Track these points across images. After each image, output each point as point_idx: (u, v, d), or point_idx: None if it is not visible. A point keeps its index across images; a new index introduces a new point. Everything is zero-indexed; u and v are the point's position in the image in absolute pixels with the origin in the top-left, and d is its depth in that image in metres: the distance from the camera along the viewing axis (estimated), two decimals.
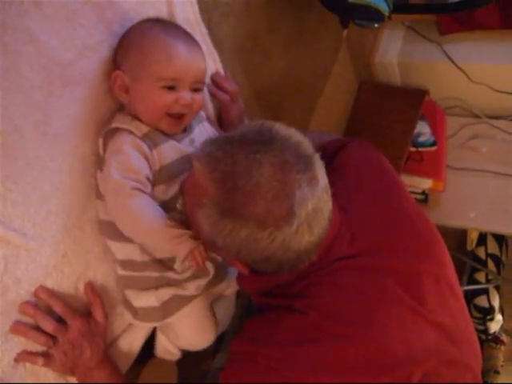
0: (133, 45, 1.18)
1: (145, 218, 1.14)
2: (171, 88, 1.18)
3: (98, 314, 1.29)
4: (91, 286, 1.28)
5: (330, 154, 1.40)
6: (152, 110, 1.19)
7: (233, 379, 1.16)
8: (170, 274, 1.30)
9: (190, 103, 1.21)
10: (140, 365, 1.53)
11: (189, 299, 1.35)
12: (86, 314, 1.28)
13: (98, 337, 1.28)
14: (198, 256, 1.14)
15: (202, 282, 1.34)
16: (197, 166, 1.08)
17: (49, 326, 1.19)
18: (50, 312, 1.20)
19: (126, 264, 1.30)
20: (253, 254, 1.07)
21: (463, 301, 1.30)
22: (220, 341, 1.67)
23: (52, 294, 1.19)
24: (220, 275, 1.39)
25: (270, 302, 1.23)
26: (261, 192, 1.00)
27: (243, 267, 1.15)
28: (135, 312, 1.35)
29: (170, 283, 1.32)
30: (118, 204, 1.15)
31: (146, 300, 1.32)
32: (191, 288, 1.33)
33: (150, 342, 1.47)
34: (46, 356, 1.21)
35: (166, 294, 1.32)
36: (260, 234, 1.02)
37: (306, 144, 1.07)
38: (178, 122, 1.23)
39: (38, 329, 1.19)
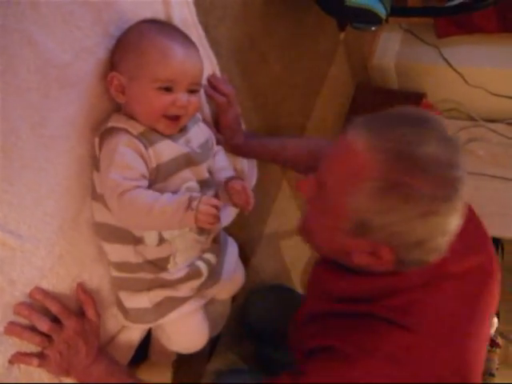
0: (130, 45, 1.18)
1: (145, 204, 1.13)
2: (168, 89, 1.18)
3: (90, 313, 1.28)
4: (82, 287, 1.28)
5: None
6: (149, 111, 1.19)
7: (328, 377, 1.13)
8: (164, 275, 1.30)
9: (187, 105, 1.20)
10: (134, 366, 1.53)
11: (181, 301, 1.35)
12: (81, 313, 1.28)
13: (92, 336, 1.28)
14: (207, 211, 1.13)
15: (195, 283, 1.34)
16: (358, 140, 1.06)
17: (44, 325, 1.18)
18: (44, 313, 1.19)
19: (120, 266, 1.30)
20: (405, 239, 1.06)
21: None
22: (215, 343, 1.67)
23: (47, 294, 1.19)
24: (213, 278, 1.39)
25: (363, 309, 1.19)
26: (431, 162, 1.00)
27: (388, 255, 1.10)
28: (127, 313, 1.34)
29: (164, 285, 1.32)
30: (116, 200, 1.14)
31: (139, 301, 1.32)
32: (184, 289, 1.33)
33: (144, 344, 1.47)
34: (41, 357, 1.21)
35: (158, 295, 1.32)
36: (427, 210, 1.01)
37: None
38: (175, 124, 1.23)
39: (32, 329, 1.18)
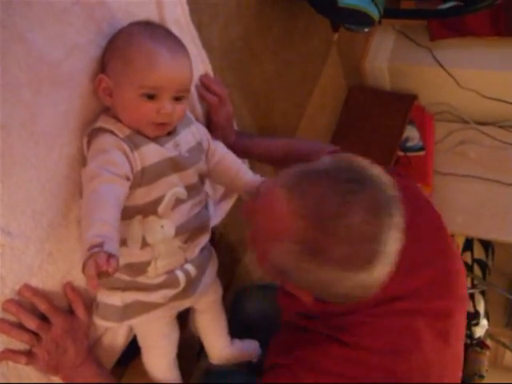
0: (118, 49, 1.17)
1: (95, 207, 1.07)
2: (152, 96, 1.16)
3: (79, 312, 1.28)
4: (71, 285, 1.28)
5: None
6: (133, 117, 1.19)
7: None
8: (141, 279, 1.29)
9: (171, 113, 1.19)
10: (124, 365, 1.53)
11: (151, 307, 1.34)
12: (70, 312, 1.28)
13: (81, 334, 1.28)
14: (87, 276, 0.99)
15: (170, 292, 1.33)
16: (280, 198, 1.06)
17: (32, 323, 1.18)
18: (33, 311, 1.19)
19: None
20: (327, 291, 1.08)
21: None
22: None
23: (36, 292, 1.19)
24: (189, 290, 1.37)
25: (311, 325, 1.24)
26: (350, 236, 0.99)
27: (308, 297, 1.15)
28: (97, 308, 1.33)
29: (139, 287, 1.30)
30: (89, 188, 1.10)
31: (111, 298, 1.31)
32: (157, 296, 1.32)
33: (133, 344, 1.47)
34: (30, 354, 1.21)
35: (130, 297, 1.31)
36: (339, 275, 1.02)
37: (391, 183, 1.06)
38: (161, 128, 1.22)
39: (21, 327, 1.18)
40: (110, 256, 0.97)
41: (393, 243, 1.02)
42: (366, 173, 1.04)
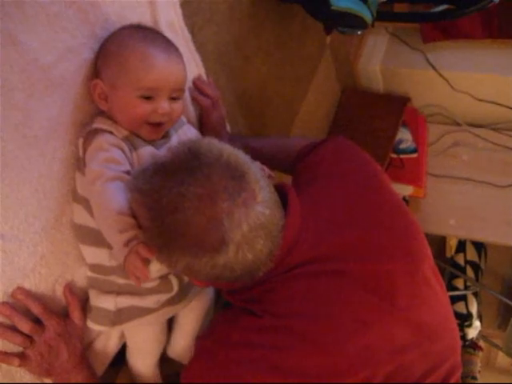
0: (112, 53, 1.18)
1: (109, 206, 1.10)
2: (149, 98, 1.18)
3: (75, 316, 1.29)
4: (70, 288, 1.28)
5: (304, 155, 1.41)
6: (131, 118, 1.20)
7: (193, 377, 1.16)
8: None
9: (169, 112, 1.21)
10: (116, 369, 1.53)
11: (144, 312, 1.33)
12: (63, 315, 1.28)
13: (74, 338, 1.28)
14: (134, 269, 1.07)
15: (163, 297, 1.33)
16: (130, 198, 1.08)
17: (25, 326, 1.18)
18: (26, 314, 1.19)
19: (94, 267, 1.29)
20: (200, 277, 1.10)
21: (443, 290, 1.29)
22: None
23: (29, 294, 1.19)
24: (182, 294, 1.37)
25: (233, 301, 1.23)
26: (189, 226, 0.99)
27: (198, 282, 1.19)
28: (90, 311, 1.33)
29: (132, 292, 1.30)
30: (95, 189, 1.13)
31: (105, 302, 1.30)
32: (150, 301, 1.32)
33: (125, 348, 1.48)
34: (23, 357, 1.21)
35: (124, 302, 1.31)
36: (197, 263, 1.02)
37: (239, 159, 1.05)
38: (157, 130, 1.24)
39: (14, 329, 1.18)
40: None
41: (243, 223, 1.00)
42: (202, 158, 1.02)
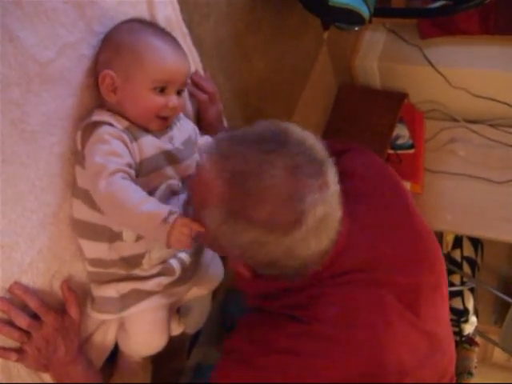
0: (125, 45, 1.19)
1: (128, 199, 1.11)
2: (162, 90, 1.20)
3: (72, 311, 1.29)
4: (67, 283, 1.28)
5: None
6: (142, 111, 1.21)
7: (228, 377, 1.16)
8: (137, 272, 1.30)
9: (178, 106, 1.24)
10: (114, 363, 1.53)
11: (147, 294, 1.34)
12: (61, 310, 1.28)
13: (72, 333, 1.28)
14: (182, 237, 1.09)
15: (166, 280, 1.33)
16: (205, 164, 1.07)
17: (23, 321, 1.18)
18: (24, 309, 1.19)
19: (94, 262, 1.29)
20: (256, 257, 1.07)
21: (447, 304, 1.32)
22: (195, 340, 1.67)
23: (26, 290, 1.19)
24: (184, 278, 1.38)
25: (270, 306, 1.23)
26: (271, 195, 0.99)
27: (245, 270, 1.16)
28: (93, 302, 1.34)
29: (135, 279, 1.31)
30: (100, 185, 1.12)
31: (106, 291, 1.31)
32: (152, 284, 1.32)
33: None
34: (20, 352, 1.21)
35: (126, 287, 1.31)
36: (266, 237, 1.01)
37: (320, 148, 1.06)
38: (165, 123, 1.26)
39: (11, 324, 1.18)
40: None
41: (319, 206, 1.01)
42: (291, 135, 1.04)
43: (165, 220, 1.08)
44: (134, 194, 1.11)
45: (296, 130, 1.06)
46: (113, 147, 1.16)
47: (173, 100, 1.22)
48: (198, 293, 1.52)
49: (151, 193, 1.23)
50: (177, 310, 1.56)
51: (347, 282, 1.15)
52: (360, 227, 1.20)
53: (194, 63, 1.52)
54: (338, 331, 1.11)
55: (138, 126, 1.23)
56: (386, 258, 1.20)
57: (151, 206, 1.10)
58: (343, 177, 1.31)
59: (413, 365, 1.15)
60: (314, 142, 1.06)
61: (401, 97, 2.80)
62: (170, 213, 1.08)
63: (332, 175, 1.05)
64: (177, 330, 1.58)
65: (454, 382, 1.32)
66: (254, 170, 1.00)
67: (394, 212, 1.27)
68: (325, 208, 1.02)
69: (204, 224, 1.08)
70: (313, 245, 1.04)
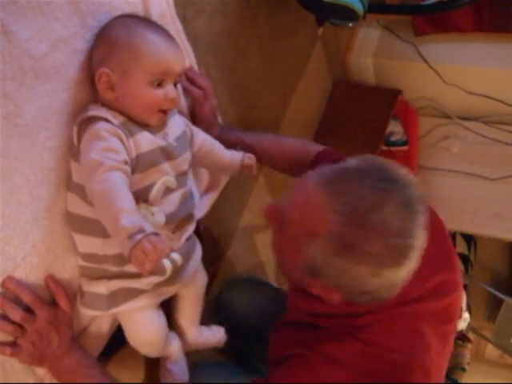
0: (120, 40, 1.18)
1: (112, 203, 1.08)
2: (159, 83, 1.21)
3: (63, 304, 1.29)
4: (52, 278, 1.27)
5: None
6: (143, 106, 1.21)
7: (293, 378, 1.20)
8: (128, 268, 1.29)
9: (176, 97, 1.25)
10: (109, 356, 1.53)
11: (137, 293, 1.33)
12: (54, 304, 1.28)
13: (64, 326, 1.29)
14: (143, 258, 1.03)
15: (156, 279, 1.33)
16: (316, 196, 1.08)
17: (16, 315, 1.19)
18: (17, 303, 1.20)
19: (87, 256, 1.29)
20: (355, 288, 1.10)
21: None
22: None
23: (20, 283, 1.19)
24: (174, 278, 1.37)
25: (326, 324, 1.26)
26: (385, 229, 1.01)
27: (337, 297, 1.16)
28: (82, 297, 1.33)
29: (125, 276, 1.31)
30: (94, 181, 1.11)
31: (96, 287, 1.31)
32: (143, 282, 1.32)
33: (117, 335, 1.47)
34: (14, 346, 1.21)
35: (116, 285, 1.31)
36: (376, 270, 1.04)
37: (417, 183, 1.09)
38: (165, 116, 1.26)
39: (5, 318, 1.19)
40: (157, 236, 1.04)
41: (421, 240, 1.05)
42: (396, 172, 1.07)
43: (130, 236, 1.03)
44: (119, 199, 1.09)
45: (396, 167, 1.09)
46: (109, 144, 1.15)
47: (172, 91, 1.23)
48: (185, 294, 1.53)
49: (147, 189, 1.23)
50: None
51: (406, 314, 1.22)
52: None
53: (189, 59, 1.52)
54: (396, 356, 1.19)
55: (134, 122, 1.22)
56: (422, 291, 1.26)
57: (126, 218, 1.05)
58: None
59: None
60: (412, 179, 1.08)
61: (395, 93, 2.80)
62: (140, 230, 1.03)
63: (425, 210, 1.08)
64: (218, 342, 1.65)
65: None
66: (369, 206, 1.02)
67: (440, 250, 1.33)
68: (423, 242, 1.06)
69: (300, 252, 1.11)
70: (405, 278, 1.08)
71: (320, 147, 1.59)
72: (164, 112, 1.25)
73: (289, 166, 1.63)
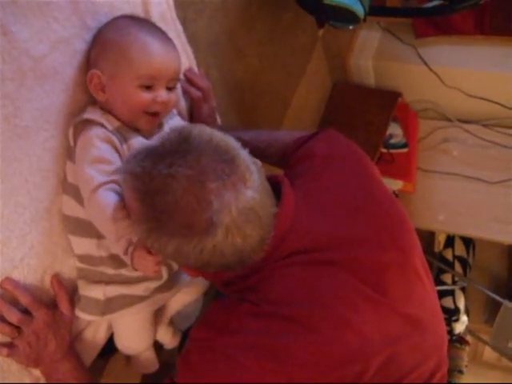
0: (111, 43, 1.18)
1: (104, 210, 1.12)
2: (148, 87, 1.19)
3: (63, 307, 1.29)
4: (57, 279, 1.28)
5: (296, 147, 1.40)
6: (130, 108, 1.20)
7: (190, 366, 1.14)
8: (124, 271, 1.29)
9: (167, 101, 1.22)
10: (105, 358, 1.53)
11: (134, 300, 1.34)
12: (52, 306, 1.28)
13: (63, 329, 1.29)
14: (145, 264, 1.11)
15: (153, 284, 1.33)
16: (122, 184, 1.09)
17: (13, 316, 1.19)
18: (15, 304, 1.19)
19: (83, 258, 1.30)
20: (190, 262, 1.08)
21: (431, 283, 1.28)
22: (186, 335, 1.67)
23: (18, 285, 1.19)
24: (170, 283, 1.37)
25: (228, 292, 1.24)
26: (178, 208, 1.00)
27: (189, 271, 1.17)
28: (78, 300, 1.33)
29: (122, 281, 1.31)
30: (88, 195, 1.14)
31: (93, 291, 1.31)
32: (139, 289, 1.32)
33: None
34: (11, 347, 1.21)
35: (113, 291, 1.31)
36: (186, 247, 1.02)
37: (228, 145, 1.06)
38: (154, 120, 1.25)
39: (2, 319, 1.19)
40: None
41: (232, 205, 1.01)
42: (192, 142, 1.04)
43: (126, 252, 1.11)
44: (112, 210, 1.11)
45: (200, 133, 1.06)
46: (101, 153, 1.16)
47: (161, 95, 1.21)
48: (184, 299, 1.52)
49: None
50: (170, 322, 1.57)
51: (296, 262, 1.14)
52: (317, 205, 1.20)
53: (189, 60, 1.52)
54: (286, 309, 1.10)
55: (129, 127, 1.22)
56: (344, 237, 1.18)
57: (119, 231, 1.11)
58: (304, 159, 1.31)
59: (380, 342, 1.12)
60: (220, 141, 1.06)
61: (395, 96, 2.80)
62: (129, 244, 1.10)
63: (248, 170, 1.05)
64: (171, 343, 1.60)
65: (446, 368, 1.30)
66: (158, 186, 1.01)
67: (356, 189, 1.26)
68: (242, 204, 1.02)
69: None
70: (239, 240, 1.04)
71: (298, 135, 1.51)
72: (154, 115, 1.23)
73: (284, 161, 1.61)
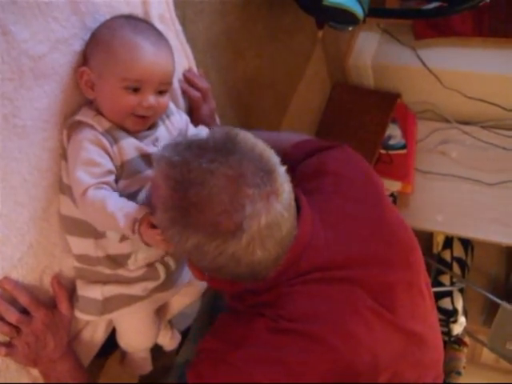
0: (100, 42, 1.18)
1: (98, 204, 1.13)
2: (135, 90, 1.17)
3: (63, 307, 1.29)
4: (58, 279, 1.28)
5: (306, 155, 1.40)
6: (115, 109, 1.19)
7: (202, 377, 1.15)
8: (122, 272, 1.30)
9: (155, 106, 1.20)
10: (103, 358, 1.53)
11: (132, 300, 1.34)
12: (51, 306, 1.28)
13: (62, 329, 1.29)
14: (154, 240, 1.11)
15: (150, 284, 1.33)
16: (155, 168, 1.09)
17: (12, 316, 1.19)
18: (14, 304, 1.19)
19: (81, 258, 1.29)
20: (203, 263, 1.09)
21: (432, 302, 1.32)
22: (184, 336, 1.68)
23: (16, 285, 1.19)
24: (169, 282, 1.37)
25: (238, 306, 1.24)
26: (210, 203, 1.00)
27: (198, 273, 1.18)
28: (77, 301, 1.33)
29: (120, 281, 1.31)
30: (80, 198, 1.15)
31: (91, 291, 1.31)
32: (138, 288, 1.32)
33: (112, 338, 1.48)
34: (9, 346, 1.21)
35: (111, 290, 1.31)
36: (207, 245, 1.02)
37: (269, 156, 1.07)
38: (143, 122, 1.23)
39: (1, 319, 1.19)
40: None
41: (264, 216, 1.01)
42: (237, 144, 1.05)
43: (133, 230, 1.11)
44: (108, 207, 1.12)
45: (246, 138, 1.07)
46: (91, 156, 1.16)
47: (148, 100, 1.18)
48: (183, 301, 1.53)
49: (133, 196, 1.22)
50: (169, 324, 1.58)
51: (314, 279, 1.16)
52: (330, 225, 1.21)
53: (187, 60, 1.52)
54: (306, 326, 1.12)
55: (120, 128, 1.21)
56: (357, 256, 1.20)
57: (121, 218, 1.12)
58: (317, 174, 1.32)
59: (388, 359, 1.15)
60: (263, 151, 1.07)
61: (394, 97, 2.81)
62: (135, 222, 1.11)
63: (282, 184, 1.06)
64: (171, 345, 1.60)
65: (441, 380, 1.32)
66: (195, 178, 1.01)
67: (367, 208, 1.28)
68: (271, 217, 1.03)
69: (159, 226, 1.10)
70: (258, 252, 1.04)
71: (298, 139, 1.56)
72: (142, 118, 1.22)
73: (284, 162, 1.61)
